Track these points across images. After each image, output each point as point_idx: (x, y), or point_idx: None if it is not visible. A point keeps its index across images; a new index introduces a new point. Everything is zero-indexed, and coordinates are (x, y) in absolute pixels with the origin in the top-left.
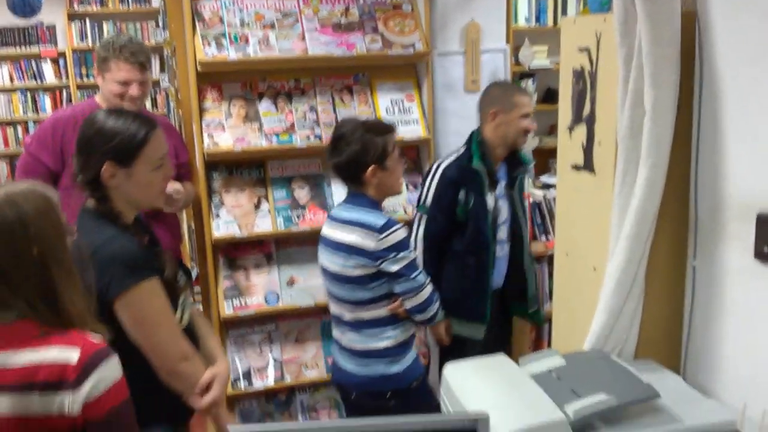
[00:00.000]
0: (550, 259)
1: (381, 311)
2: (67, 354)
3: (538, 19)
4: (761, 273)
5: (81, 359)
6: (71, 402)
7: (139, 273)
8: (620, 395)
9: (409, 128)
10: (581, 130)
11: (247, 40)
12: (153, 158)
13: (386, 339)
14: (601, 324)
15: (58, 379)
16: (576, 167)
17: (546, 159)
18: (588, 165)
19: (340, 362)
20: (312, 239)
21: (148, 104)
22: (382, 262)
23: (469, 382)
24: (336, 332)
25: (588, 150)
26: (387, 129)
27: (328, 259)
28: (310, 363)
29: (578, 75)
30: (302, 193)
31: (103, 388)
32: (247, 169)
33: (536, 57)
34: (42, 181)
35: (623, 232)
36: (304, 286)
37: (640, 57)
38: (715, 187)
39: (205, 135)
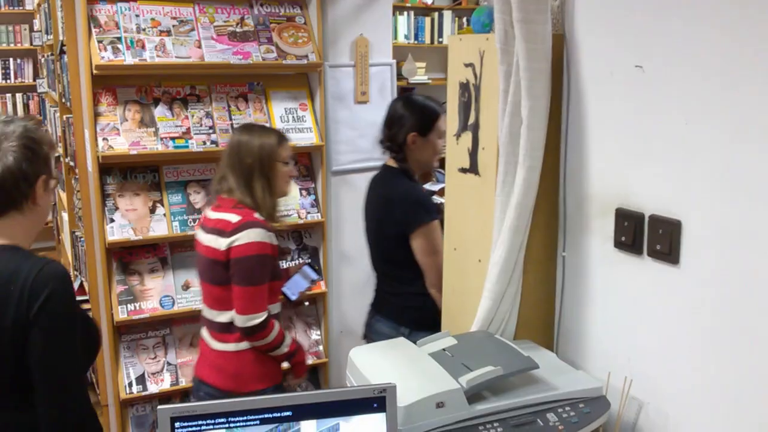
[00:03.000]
0: None
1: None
2: (235, 218)
3: (416, 37)
4: (619, 260)
5: (237, 222)
6: (224, 243)
7: (432, 213)
8: (505, 366)
9: (303, 135)
10: (467, 137)
11: (143, 46)
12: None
13: None
14: (486, 308)
15: (224, 229)
16: (463, 170)
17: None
18: (473, 168)
19: None
20: None
21: (19, 109)
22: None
23: (375, 361)
24: None
25: (473, 154)
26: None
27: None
28: None
29: (464, 87)
30: (198, 198)
31: (240, 242)
32: (142, 174)
33: (416, 73)
34: None
35: (504, 225)
36: (199, 289)
37: (518, 72)
38: (581, 186)
39: (99, 139)
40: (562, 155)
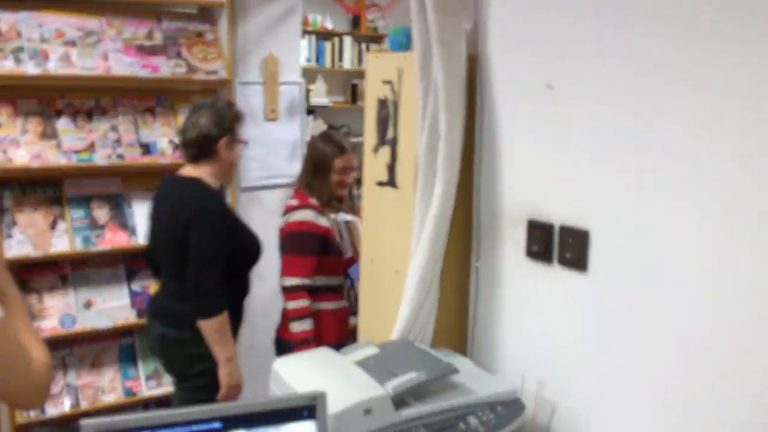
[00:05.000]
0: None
1: None
2: (294, 202)
3: (317, 61)
4: (531, 269)
5: (294, 205)
6: (283, 221)
7: None
8: (428, 372)
9: None
10: (385, 151)
11: (47, 56)
12: None
13: None
14: (406, 317)
15: (286, 210)
16: (380, 183)
17: None
18: (391, 181)
19: None
20: (112, 260)
21: None
22: None
23: (300, 371)
24: None
25: (391, 168)
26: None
27: None
28: (107, 387)
29: (382, 103)
30: (101, 213)
31: (290, 220)
32: (42, 188)
33: (317, 95)
34: None
35: (423, 236)
36: (102, 308)
37: (436, 89)
38: (494, 199)
39: None
40: (476, 169)
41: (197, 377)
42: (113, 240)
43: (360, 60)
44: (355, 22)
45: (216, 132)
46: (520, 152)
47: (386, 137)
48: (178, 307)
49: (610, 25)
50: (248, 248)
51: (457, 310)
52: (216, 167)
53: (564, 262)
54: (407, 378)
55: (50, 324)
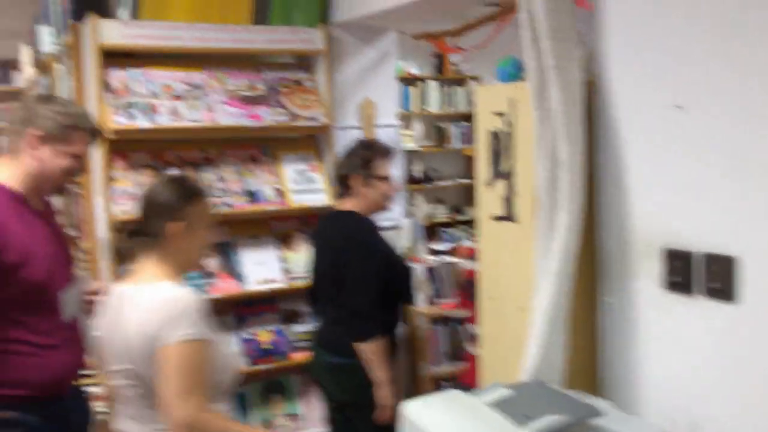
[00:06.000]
0: (445, 321)
1: None
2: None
3: (404, 105)
4: (669, 301)
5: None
6: None
7: None
8: (569, 415)
9: (314, 197)
10: (500, 185)
11: (157, 110)
12: None
13: None
14: (534, 356)
15: None
16: (497, 218)
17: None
18: (509, 215)
19: None
20: (222, 307)
21: None
22: None
23: (434, 415)
24: None
25: (509, 201)
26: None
27: None
28: None
29: (495, 136)
30: (210, 262)
31: None
32: None
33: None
34: None
35: (548, 271)
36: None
37: (552, 117)
38: (621, 229)
39: (113, 203)
40: (599, 198)
41: (368, 403)
42: (224, 288)
43: (446, 102)
44: (439, 66)
45: (346, 170)
46: (649, 178)
47: (500, 170)
48: (339, 334)
49: (746, 44)
50: (401, 277)
51: (587, 348)
52: (359, 202)
53: (707, 292)
54: (548, 421)
55: None
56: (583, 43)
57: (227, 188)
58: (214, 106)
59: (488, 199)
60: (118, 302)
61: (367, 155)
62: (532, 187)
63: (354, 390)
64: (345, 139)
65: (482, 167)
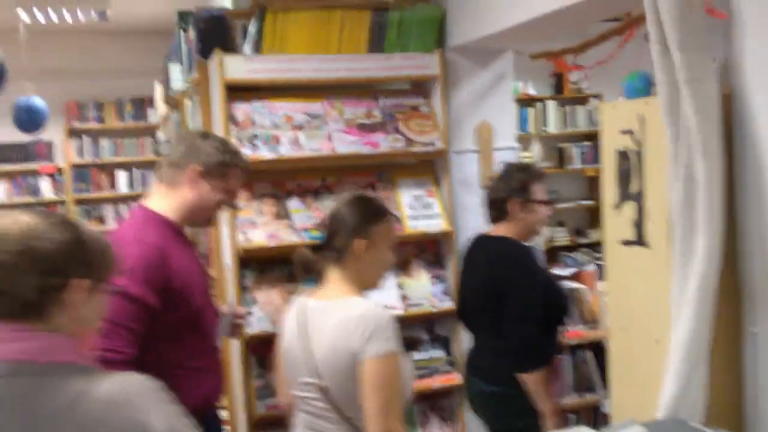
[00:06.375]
0: (571, 350)
1: None
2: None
3: (521, 127)
4: None
5: None
6: None
7: None
8: None
9: (431, 222)
10: (630, 207)
11: (278, 141)
12: None
13: None
14: (673, 392)
15: None
16: (626, 242)
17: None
18: (640, 239)
19: None
20: None
21: None
22: None
23: None
24: None
25: (639, 225)
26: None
27: None
28: None
29: (623, 155)
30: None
31: None
32: (278, 266)
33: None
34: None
35: (686, 299)
36: None
37: (687, 134)
38: (766, 252)
39: (238, 232)
40: (741, 219)
41: (528, 430)
42: None
43: (566, 123)
44: (557, 85)
45: (504, 194)
46: None
47: (629, 191)
48: (498, 363)
49: None
50: (560, 301)
51: (730, 383)
52: (514, 227)
53: None
54: None
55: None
56: (719, 53)
57: None
58: (332, 134)
59: (616, 223)
60: (302, 317)
61: (524, 179)
62: (666, 209)
63: (512, 419)
64: (461, 163)
65: (609, 189)
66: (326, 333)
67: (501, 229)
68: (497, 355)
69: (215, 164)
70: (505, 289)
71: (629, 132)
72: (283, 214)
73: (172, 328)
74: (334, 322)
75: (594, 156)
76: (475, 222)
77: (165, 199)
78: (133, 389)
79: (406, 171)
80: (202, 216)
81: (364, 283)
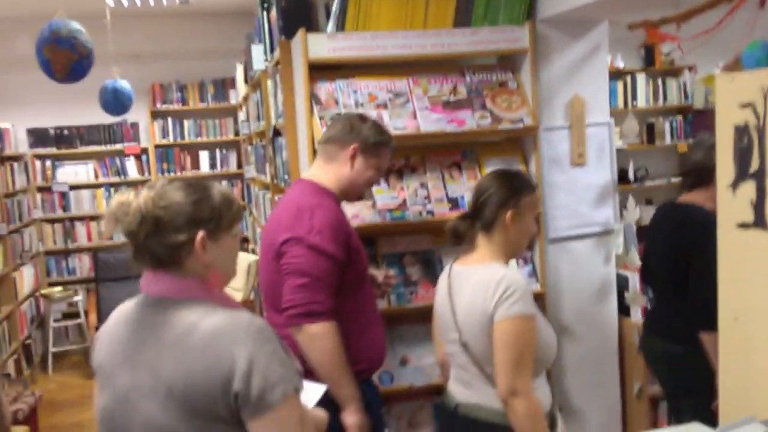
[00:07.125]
0: None
1: None
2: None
3: (609, 101)
4: None
5: None
6: None
7: None
8: None
9: None
10: (748, 187)
11: None
12: None
13: None
14: None
15: None
16: (743, 225)
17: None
18: (760, 222)
19: None
20: (425, 317)
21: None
22: None
23: None
24: None
25: (759, 206)
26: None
27: None
28: None
29: (741, 131)
30: (413, 270)
31: None
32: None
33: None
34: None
35: None
36: (417, 365)
37: None
38: None
39: None
40: None
41: (706, 390)
42: (426, 296)
43: (656, 97)
44: (648, 58)
45: (701, 164)
46: None
47: (749, 170)
48: (680, 323)
49: None
50: None
51: None
52: (705, 196)
53: None
54: None
55: None
56: None
57: (430, 195)
58: (417, 112)
59: (731, 204)
60: (451, 280)
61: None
62: None
63: (689, 378)
64: (551, 140)
65: (724, 167)
66: (466, 293)
67: (690, 197)
68: (679, 316)
69: (373, 144)
70: (699, 252)
71: (750, 105)
72: (366, 194)
73: (350, 282)
74: (473, 284)
75: (686, 131)
76: (563, 200)
77: (326, 174)
78: (234, 324)
79: (492, 149)
80: (355, 191)
81: (509, 251)
